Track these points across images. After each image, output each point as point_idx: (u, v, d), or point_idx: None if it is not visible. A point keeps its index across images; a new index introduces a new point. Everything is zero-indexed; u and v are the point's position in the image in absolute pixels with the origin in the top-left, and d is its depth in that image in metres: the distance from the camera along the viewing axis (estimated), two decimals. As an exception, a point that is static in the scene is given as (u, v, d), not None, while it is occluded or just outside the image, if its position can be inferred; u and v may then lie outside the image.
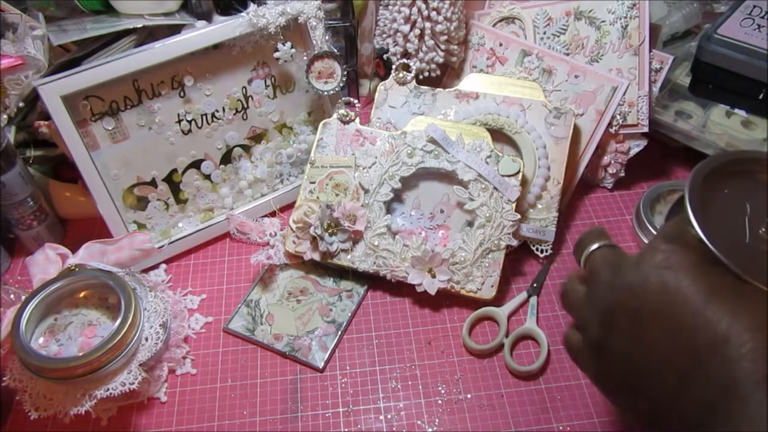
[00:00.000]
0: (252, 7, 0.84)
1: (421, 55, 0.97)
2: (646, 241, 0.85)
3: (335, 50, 0.89)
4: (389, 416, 0.71)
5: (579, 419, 0.70)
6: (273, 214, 0.91)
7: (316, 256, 0.82)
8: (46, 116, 0.80)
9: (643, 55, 0.91)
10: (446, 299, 0.82)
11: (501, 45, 0.97)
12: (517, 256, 0.86)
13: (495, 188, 0.80)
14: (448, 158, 0.82)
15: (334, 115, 0.87)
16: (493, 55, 0.98)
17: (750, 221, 0.45)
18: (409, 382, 0.74)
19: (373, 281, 0.84)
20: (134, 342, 0.69)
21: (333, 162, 0.85)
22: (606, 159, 0.93)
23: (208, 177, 0.90)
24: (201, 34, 0.83)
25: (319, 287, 0.83)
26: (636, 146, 0.93)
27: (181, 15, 0.92)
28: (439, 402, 0.72)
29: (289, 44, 0.87)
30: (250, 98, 0.89)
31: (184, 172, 0.88)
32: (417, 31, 0.95)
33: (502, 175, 0.81)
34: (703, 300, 0.39)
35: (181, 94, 0.85)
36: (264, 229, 0.84)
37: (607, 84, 0.89)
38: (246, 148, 0.92)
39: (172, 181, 0.88)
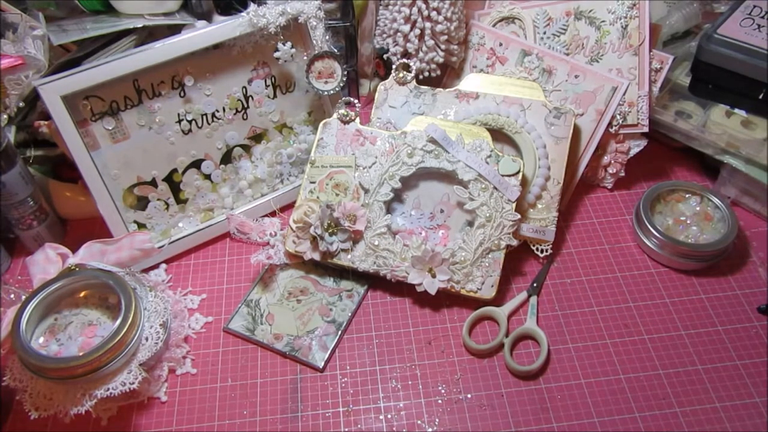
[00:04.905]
0: (252, 7, 0.84)
1: (421, 55, 0.97)
2: (646, 241, 0.85)
3: (335, 50, 0.89)
4: (389, 416, 0.71)
5: (579, 419, 0.70)
6: (273, 214, 0.91)
7: (316, 256, 0.82)
8: (46, 116, 0.80)
9: (643, 55, 0.91)
10: (446, 299, 0.82)
11: (501, 45, 0.97)
12: (517, 255, 0.86)
13: (495, 188, 0.80)
14: (448, 158, 0.82)
15: (335, 115, 0.87)
16: (493, 55, 0.98)
17: None
18: (409, 382, 0.74)
19: (373, 281, 0.84)
20: (134, 342, 0.69)
21: (333, 162, 0.85)
22: (606, 159, 0.93)
23: (208, 177, 0.90)
24: (201, 34, 0.83)
25: (319, 287, 0.83)
26: (636, 146, 0.93)
27: (181, 15, 0.92)
28: (439, 402, 0.72)
29: (289, 44, 0.87)
30: (250, 98, 0.89)
31: (184, 171, 0.88)
32: (417, 31, 0.95)
33: (502, 175, 0.81)
34: None
35: (182, 94, 0.85)
36: (264, 229, 0.84)
37: (607, 84, 0.89)
38: (246, 148, 0.92)
39: (172, 180, 0.88)
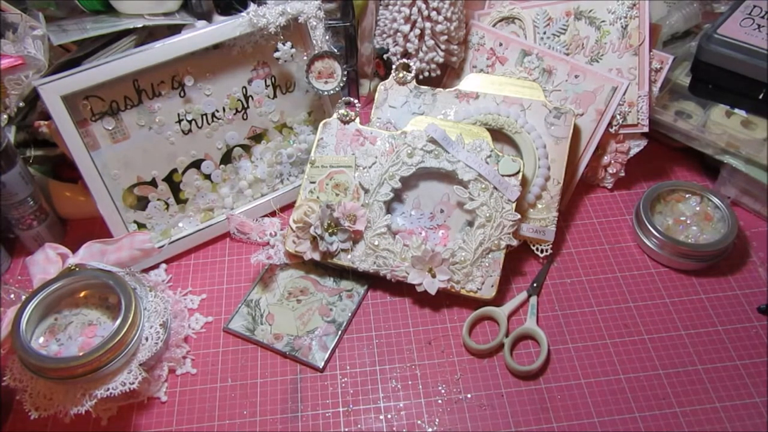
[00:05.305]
0: (252, 7, 0.84)
1: (421, 55, 0.97)
2: (646, 241, 0.85)
3: (335, 50, 0.89)
4: (389, 416, 0.71)
5: (579, 419, 0.70)
6: (273, 214, 0.91)
7: (316, 256, 0.82)
8: (46, 116, 0.80)
9: (643, 55, 0.91)
10: (446, 299, 0.82)
11: (501, 45, 0.97)
12: (517, 255, 0.86)
13: (495, 188, 0.80)
14: (448, 158, 0.82)
15: (334, 115, 0.87)
16: (493, 55, 0.98)
17: None
18: (409, 382, 0.74)
19: (373, 281, 0.84)
20: (134, 342, 0.69)
21: (333, 162, 0.85)
22: (606, 159, 0.93)
23: (208, 177, 0.90)
24: (201, 34, 0.83)
25: (319, 287, 0.83)
26: (636, 146, 0.93)
27: (181, 15, 0.92)
28: (439, 402, 0.72)
29: (289, 44, 0.87)
30: (250, 98, 0.89)
31: (184, 171, 0.88)
32: (417, 31, 0.95)
33: (502, 175, 0.81)
34: None
35: (181, 94, 0.85)
36: (264, 229, 0.84)
37: (607, 84, 0.89)
38: (246, 148, 0.92)
39: (172, 180, 0.88)
